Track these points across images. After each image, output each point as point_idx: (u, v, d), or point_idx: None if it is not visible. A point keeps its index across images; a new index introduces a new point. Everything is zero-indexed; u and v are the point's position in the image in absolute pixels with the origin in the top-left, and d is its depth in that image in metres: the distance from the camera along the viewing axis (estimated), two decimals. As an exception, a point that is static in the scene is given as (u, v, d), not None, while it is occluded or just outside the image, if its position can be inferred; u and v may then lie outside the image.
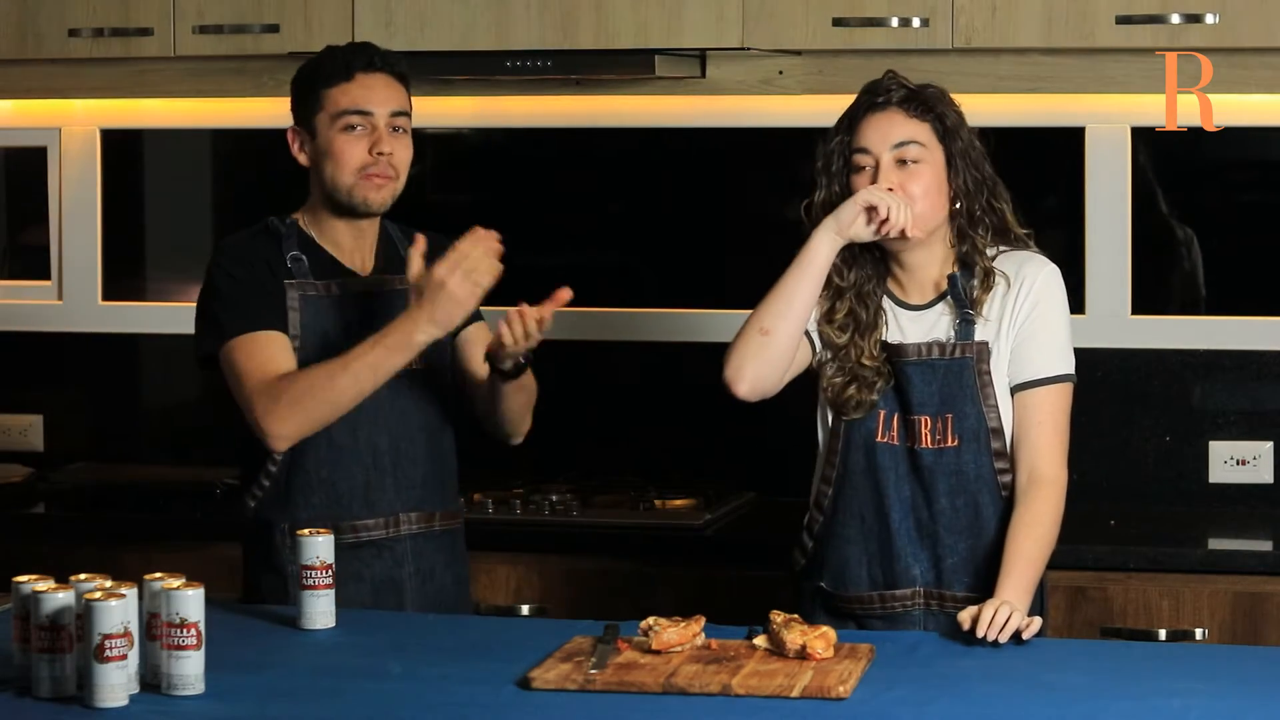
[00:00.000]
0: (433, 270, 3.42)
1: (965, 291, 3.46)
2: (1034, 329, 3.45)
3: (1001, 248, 3.51)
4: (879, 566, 3.49)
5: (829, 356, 3.52)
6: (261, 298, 3.58)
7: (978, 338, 3.45)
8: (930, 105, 3.47)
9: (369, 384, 3.46)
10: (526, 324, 3.51)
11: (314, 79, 3.65)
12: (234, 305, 3.57)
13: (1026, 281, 3.47)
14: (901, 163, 3.43)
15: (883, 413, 3.48)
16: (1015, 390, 3.46)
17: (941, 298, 3.49)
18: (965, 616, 3.28)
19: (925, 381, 3.45)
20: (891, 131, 3.45)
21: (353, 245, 3.69)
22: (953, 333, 3.46)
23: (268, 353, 3.53)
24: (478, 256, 3.43)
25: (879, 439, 3.48)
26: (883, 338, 3.49)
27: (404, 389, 3.62)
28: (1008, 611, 3.25)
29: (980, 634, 3.23)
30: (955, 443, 3.44)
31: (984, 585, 3.43)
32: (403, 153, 3.65)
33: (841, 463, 3.51)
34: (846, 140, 3.48)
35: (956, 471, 3.44)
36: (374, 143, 3.61)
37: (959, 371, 3.44)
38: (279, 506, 3.62)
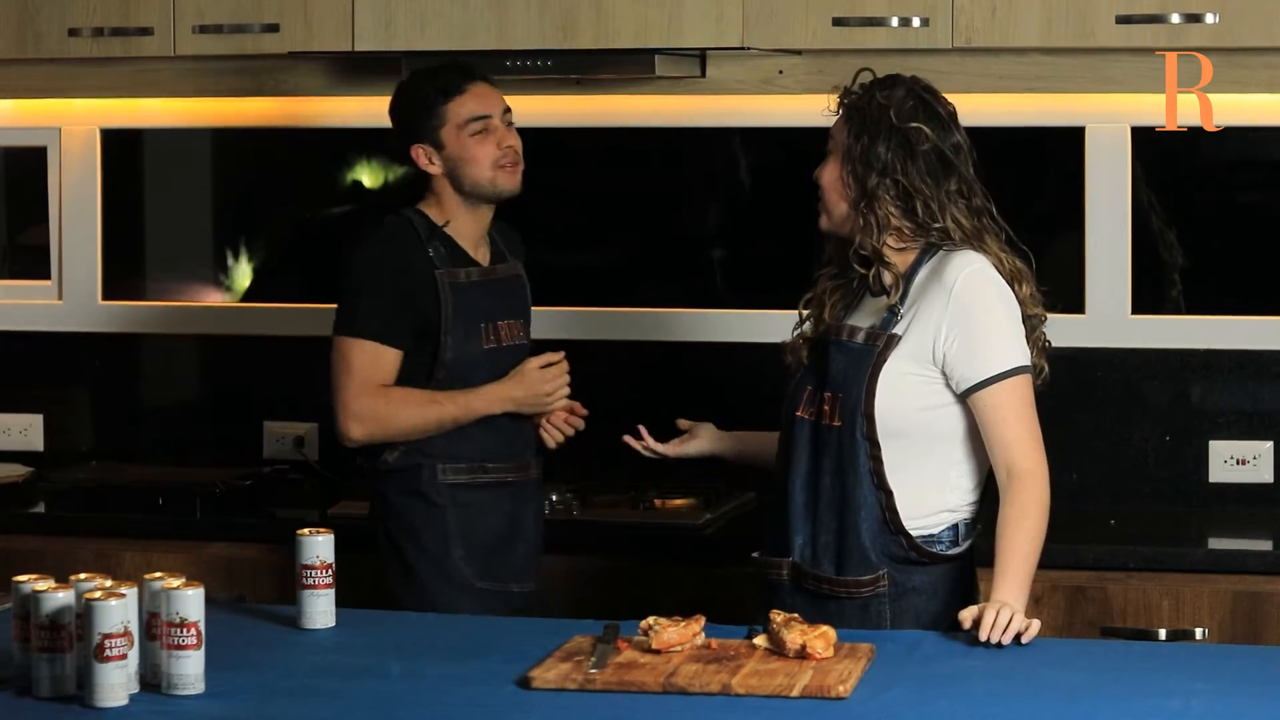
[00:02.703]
0: (541, 377, 4.07)
1: (883, 281, 3.50)
2: (967, 333, 3.44)
3: (946, 247, 3.50)
4: (777, 535, 3.57)
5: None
6: (401, 314, 4.01)
7: (895, 330, 3.48)
8: (849, 101, 3.54)
9: (442, 429, 4.01)
10: (566, 431, 4.15)
11: (431, 99, 4.04)
12: (374, 310, 4.01)
13: (944, 285, 3.45)
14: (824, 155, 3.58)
15: (809, 389, 3.55)
16: (969, 394, 3.45)
17: (887, 286, 3.53)
18: (966, 616, 3.29)
19: (834, 360, 3.51)
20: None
21: (476, 238, 4.13)
22: (877, 321, 3.49)
23: (380, 365, 4.01)
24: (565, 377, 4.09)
25: (797, 413, 3.55)
26: (843, 320, 3.56)
27: (524, 355, 4.13)
28: (1009, 614, 3.26)
29: (983, 637, 3.24)
30: (839, 422, 3.48)
31: (845, 569, 3.47)
32: (517, 140, 4.11)
33: (781, 436, 3.61)
34: None
35: (838, 450, 3.48)
36: (498, 140, 4.05)
37: (862, 356, 3.48)
38: (428, 452, 4.03)
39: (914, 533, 3.47)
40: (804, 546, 3.52)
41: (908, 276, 3.50)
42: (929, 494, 3.49)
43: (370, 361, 4.00)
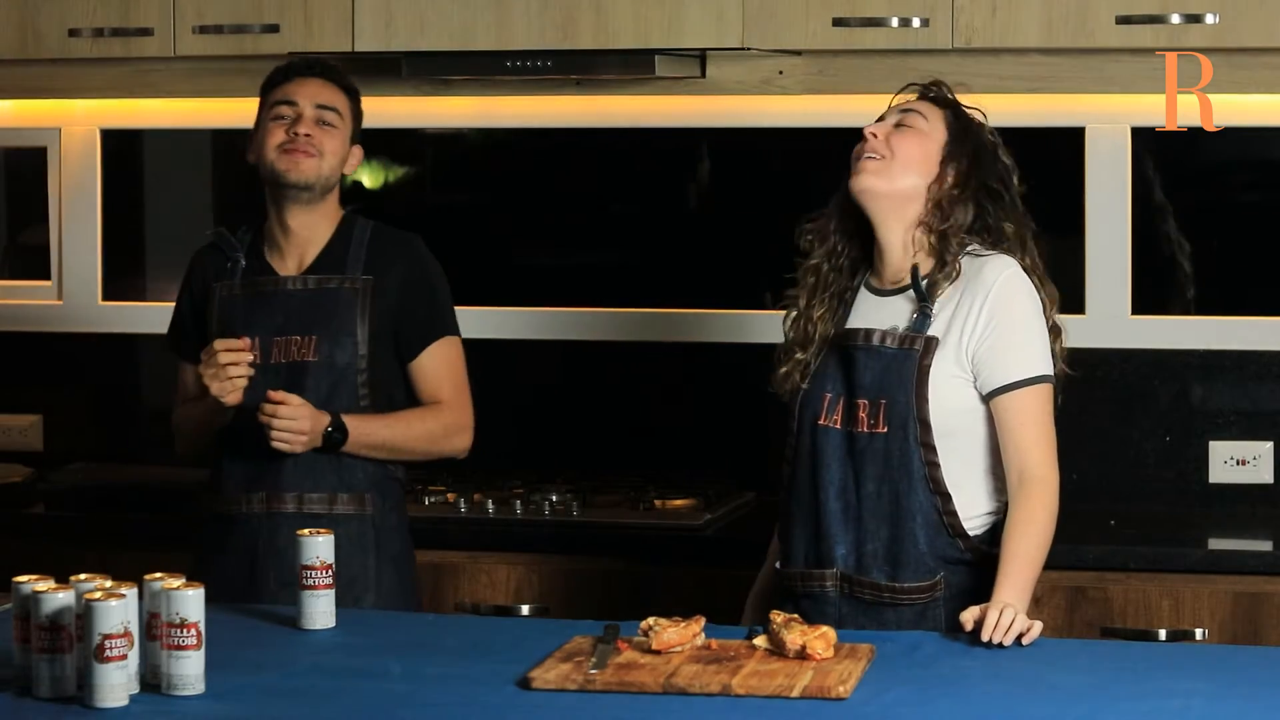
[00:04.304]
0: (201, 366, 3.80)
1: (924, 284, 3.49)
2: (999, 334, 3.46)
3: (976, 248, 3.52)
4: (812, 547, 3.53)
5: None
6: (186, 327, 4.03)
7: (930, 332, 3.47)
8: (952, 103, 3.58)
9: (208, 434, 3.94)
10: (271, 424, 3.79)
11: (262, 88, 3.95)
12: (174, 326, 4.10)
13: (983, 285, 3.47)
14: (899, 126, 3.54)
15: (828, 396, 3.53)
16: (992, 396, 3.46)
17: (906, 287, 3.52)
18: (967, 617, 3.28)
19: (866, 366, 3.48)
20: (906, 102, 3.58)
21: (288, 245, 3.94)
22: (908, 323, 3.48)
23: (183, 380, 4.04)
24: (224, 360, 3.77)
25: (821, 422, 3.52)
26: (846, 324, 3.54)
27: (310, 382, 3.86)
28: (1011, 615, 3.26)
29: (985, 637, 3.24)
30: (884, 429, 3.46)
31: (901, 575, 3.45)
32: (327, 141, 3.89)
33: (795, 444, 3.56)
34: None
35: (884, 457, 3.46)
36: (294, 125, 3.87)
37: (901, 361, 3.47)
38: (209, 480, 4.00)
39: (971, 534, 3.48)
40: (848, 555, 3.49)
41: (935, 280, 3.51)
42: (979, 495, 3.50)
43: (179, 377, 4.03)
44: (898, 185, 3.51)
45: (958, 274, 3.48)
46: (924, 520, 3.45)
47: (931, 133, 3.53)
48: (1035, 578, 3.41)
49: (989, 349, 3.46)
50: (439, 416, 3.94)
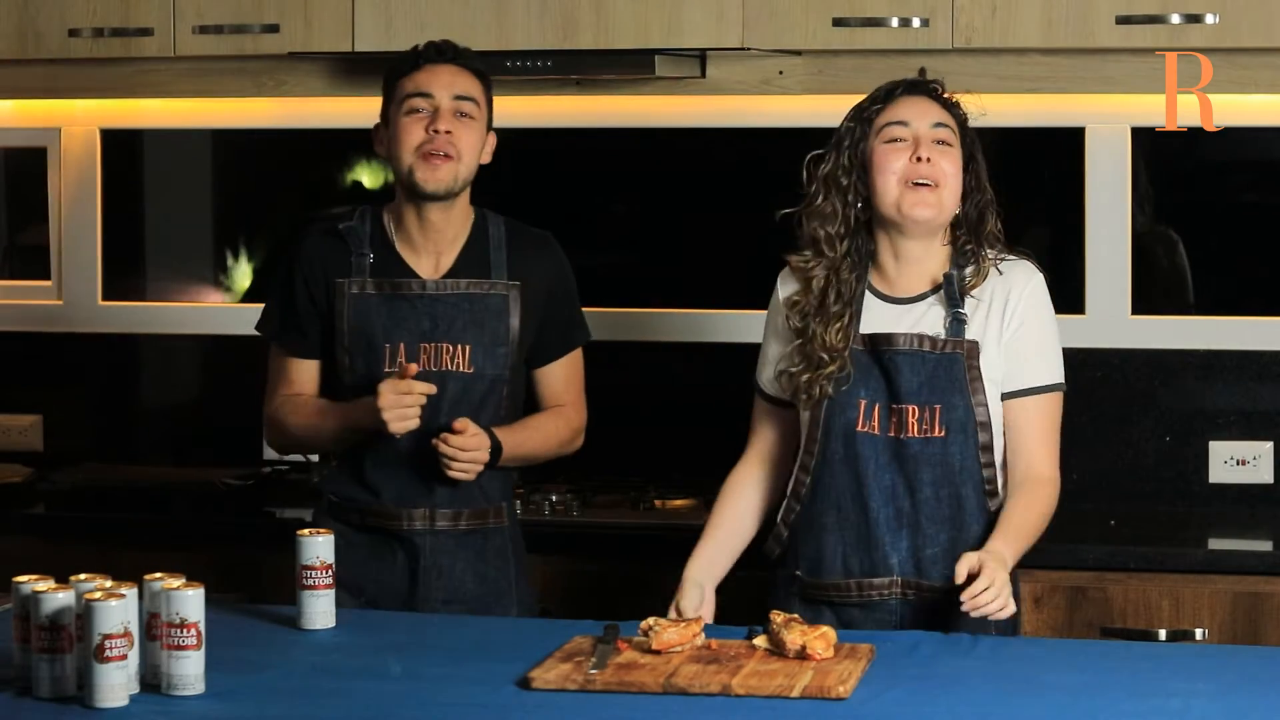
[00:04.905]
0: (380, 396, 3.62)
1: (959, 289, 3.48)
2: (1024, 339, 3.49)
3: (996, 253, 3.54)
4: (856, 554, 3.51)
5: (792, 343, 3.56)
6: (294, 319, 3.83)
7: (968, 336, 3.47)
8: (959, 109, 3.57)
9: (333, 443, 3.84)
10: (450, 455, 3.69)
11: (390, 76, 3.79)
12: (277, 313, 3.87)
13: (1016, 289, 3.50)
14: (937, 143, 3.51)
15: (863, 402, 3.50)
16: (1007, 398, 3.48)
17: (933, 292, 3.51)
18: (963, 568, 3.28)
19: (914, 371, 3.47)
20: (930, 112, 3.53)
21: (425, 241, 3.80)
22: (943, 329, 3.48)
23: (284, 372, 3.86)
24: (415, 397, 3.64)
25: (859, 428, 3.50)
26: (860, 329, 3.52)
27: (459, 392, 3.77)
28: (995, 592, 3.26)
29: (965, 607, 3.24)
30: (942, 433, 3.46)
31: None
32: (465, 135, 3.73)
33: (820, 452, 3.53)
34: (877, 112, 3.54)
35: (943, 461, 3.46)
36: (432, 122, 3.71)
37: (949, 365, 3.46)
38: (333, 481, 3.85)
39: None
40: (904, 561, 3.49)
41: (963, 282, 3.51)
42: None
43: (275, 366, 3.86)
44: (949, 213, 3.52)
45: (985, 277, 3.49)
46: (987, 522, 3.47)
47: (959, 151, 3.53)
48: (1027, 546, 3.43)
49: (1016, 349, 3.48)
50: (568, 421, 3.93)
